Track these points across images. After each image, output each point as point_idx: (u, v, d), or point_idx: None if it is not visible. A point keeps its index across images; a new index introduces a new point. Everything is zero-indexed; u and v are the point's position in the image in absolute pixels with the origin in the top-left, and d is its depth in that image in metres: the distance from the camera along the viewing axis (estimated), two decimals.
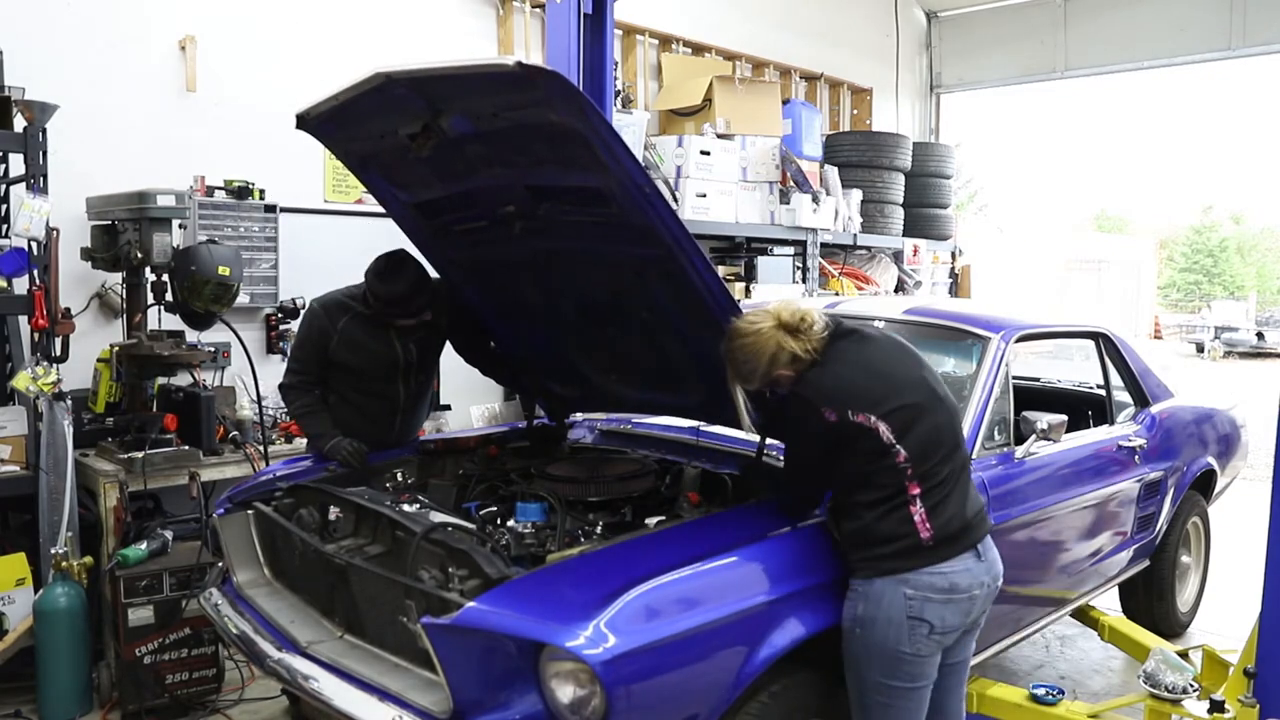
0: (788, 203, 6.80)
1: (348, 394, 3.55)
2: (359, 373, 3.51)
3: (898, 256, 8.14)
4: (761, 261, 6.75)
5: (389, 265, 3.36)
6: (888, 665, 2.45)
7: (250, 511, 3.20)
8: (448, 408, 5.46)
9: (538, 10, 6.12)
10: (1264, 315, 32.93)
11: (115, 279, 4.33)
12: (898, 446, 2.44)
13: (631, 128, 6.05)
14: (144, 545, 3.76)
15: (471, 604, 2.22)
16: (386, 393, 3.57)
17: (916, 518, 2.45)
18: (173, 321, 4.21)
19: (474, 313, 3.57)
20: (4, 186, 4.04)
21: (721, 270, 6.59)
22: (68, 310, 3.83)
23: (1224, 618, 4.73)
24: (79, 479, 3.86)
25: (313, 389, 3.52)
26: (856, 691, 2.52)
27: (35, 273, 3.72)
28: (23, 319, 3.91)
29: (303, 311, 3.69)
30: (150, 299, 4.10)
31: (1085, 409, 4.31)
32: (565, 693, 2.14)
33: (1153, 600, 4.54)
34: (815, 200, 6.89)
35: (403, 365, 3.55)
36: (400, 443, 3.65)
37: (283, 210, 4.83)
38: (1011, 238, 16.86)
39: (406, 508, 2.82)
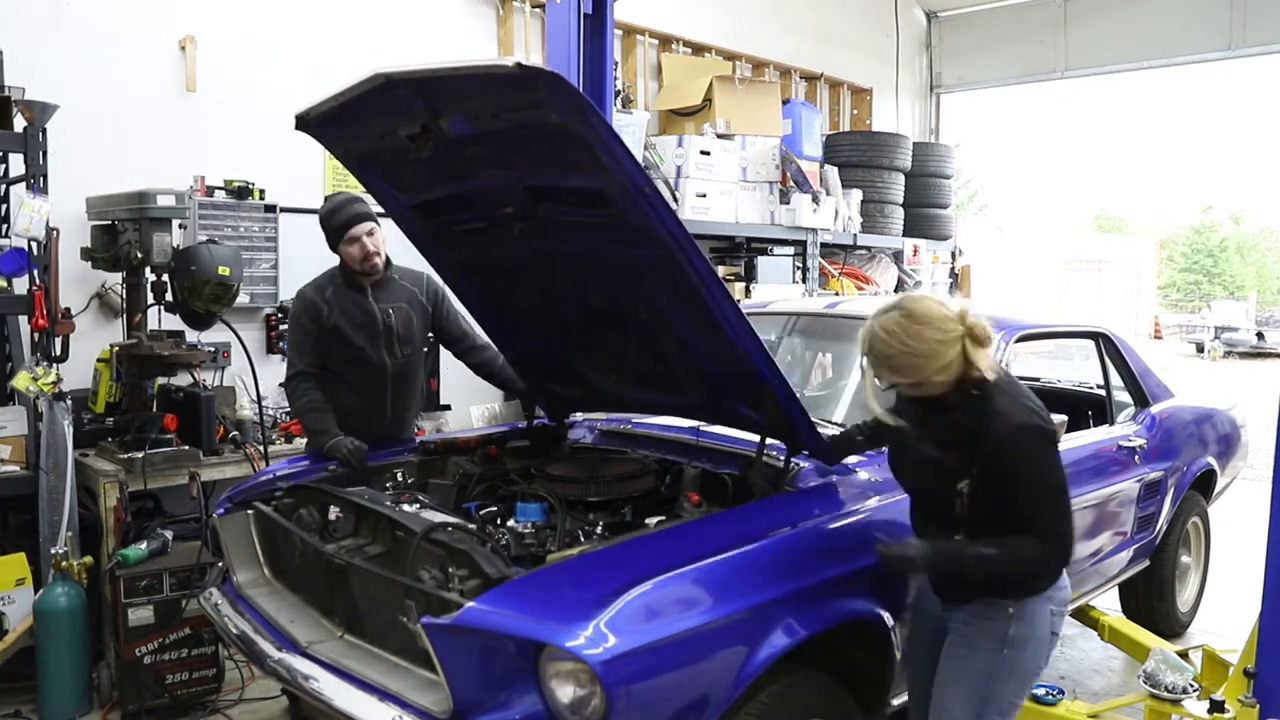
0: (788, 203, 6.80)
1: (338, 366, 3.61)
2: (348, 340, 3.59)
3: (898, 256, 8.14)
4: (761, 261, 6.75)
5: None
6: (1025, 682, 2.47)
7: (250, 511, 3.19)
8: (448, 408, 5.46)
9: (538, 10, 6.12)
10: (1264, 315, 32.95)
11: (115, 279, 4.33)
12: None
13: (631, 128, 6.05)
14: (144, 545, 3.76)
15: (471, 604, 2.22)
16: (374, 361, 3.63)
17: None
18: (173, 321, 4.20)
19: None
20: (4, 186, 4.04)
21: (721, 270, 6.59)
22: (68, 310, 3.83)
23: (1224, 618, 4.73)
24: (79, 479, 3.86)
25: (315, 378, 3.58)
26: (966, 708, 2.43)
27: (35, 273, 3.72)
28: (23, 319, 3.91)
29: (290, 304, 3.74)
30: (150, 299, 4.10)
31: (1085, 409, 4.31)
32: (565, 693, 2.13)
33: (1153, 600, 4.54)
34: (815, 200, 6.89)
35: (383, 326, 3.63)
36: (395, 432, 3.69)
37: (283, 210, 4.83)
38: (1011, 238, 16.88)
39: (406, 508, 2.82)
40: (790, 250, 7.04)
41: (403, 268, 3.75)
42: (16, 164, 3.94)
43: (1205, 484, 4.74)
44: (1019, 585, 2.41)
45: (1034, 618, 2.41)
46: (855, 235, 7.49)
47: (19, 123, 3.81)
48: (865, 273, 7.84)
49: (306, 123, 2.84)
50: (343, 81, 2.54)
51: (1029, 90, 10.41)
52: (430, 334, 3.88)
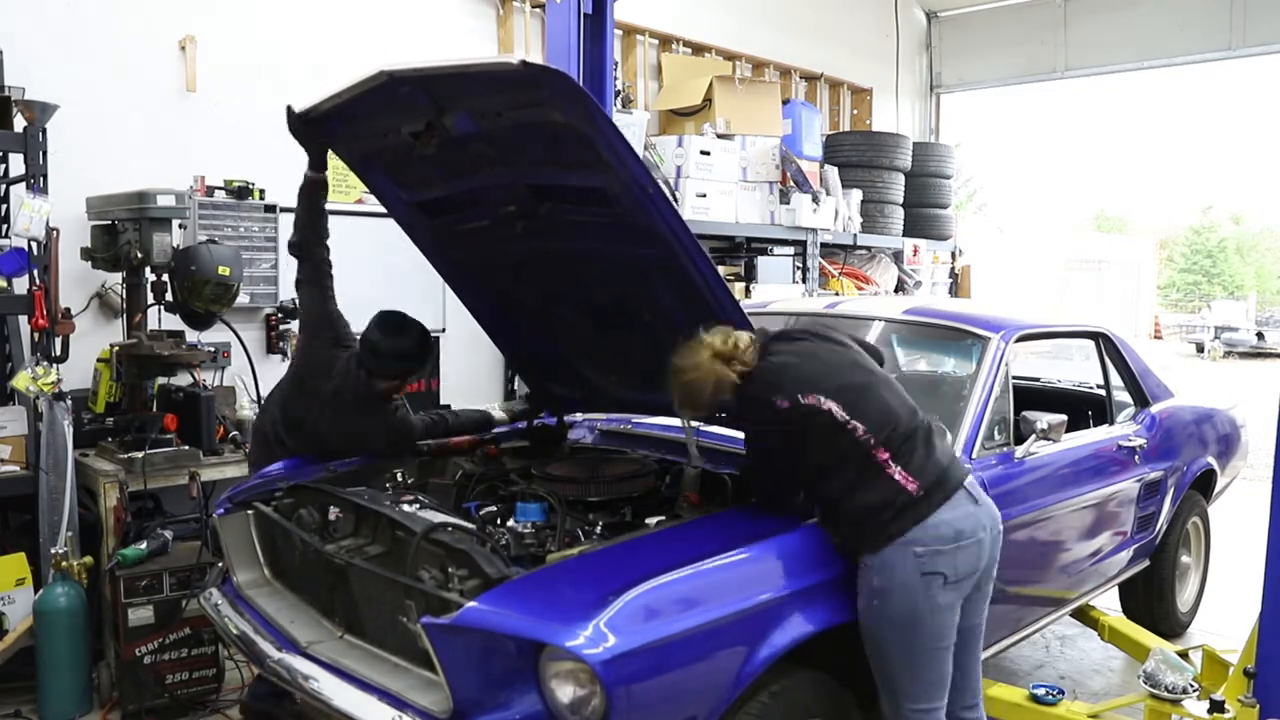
0: (788, 203, 6.80)
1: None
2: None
3: (898, 256, 8.14)
4: (761, 261, 6.76)
5: (394, 318, 3.30)
6: (909, 630, 2.48)
7: (250, 511, 3.19)
8: (448, 408, 5.45)
9: (538, 10, 6.12)
10: (1264, 315, 32.92)
11: (115, 279, 4.33)
12: (853, 422, 2.50)
13: (631, 128, 6.05)
14: (144, 545, 3.76)
15: (471, 604, 2.22)
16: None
17: (898, 477, 2.50)
18: (173, 321, 4.21)
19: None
20: (4, 186, 4.04)
21: (721, 270, 6.56)
22: (68, 310, 3.83)
23: (1224, 618, 4.73)
24: (79, 479, 3.86)
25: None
26: (883, 668, 2.54)
27: (35, 273, 3.72)
28: (23, 319, 3.91)
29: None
30: (150, 299, 4.11)
31: (1085, 409, 4.31)
32: (565, 693, 2.14)
33: (1153, 600, 4.54)
34: (815, 200, 6.89)
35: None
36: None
37: (283, 210, 4.81)
38: (1011, 238, 16.86)
39: (406, 508, 2.82)
40: (790, 250, 7.04)
41: None
42: (16, 164, 3.94)
43: (1205, 484, 4.74)
44: (866, 537, 2.49)
45: (893, 566, 2.46)
46: (855, 235, 7.49)
47: (19, 123, 3.81)
48: (865, 273, 7.84)
49: (308, 122, 2.84)
50: (345, 79, 2.54)
51: (1029, 90, 10.41)
52: None
